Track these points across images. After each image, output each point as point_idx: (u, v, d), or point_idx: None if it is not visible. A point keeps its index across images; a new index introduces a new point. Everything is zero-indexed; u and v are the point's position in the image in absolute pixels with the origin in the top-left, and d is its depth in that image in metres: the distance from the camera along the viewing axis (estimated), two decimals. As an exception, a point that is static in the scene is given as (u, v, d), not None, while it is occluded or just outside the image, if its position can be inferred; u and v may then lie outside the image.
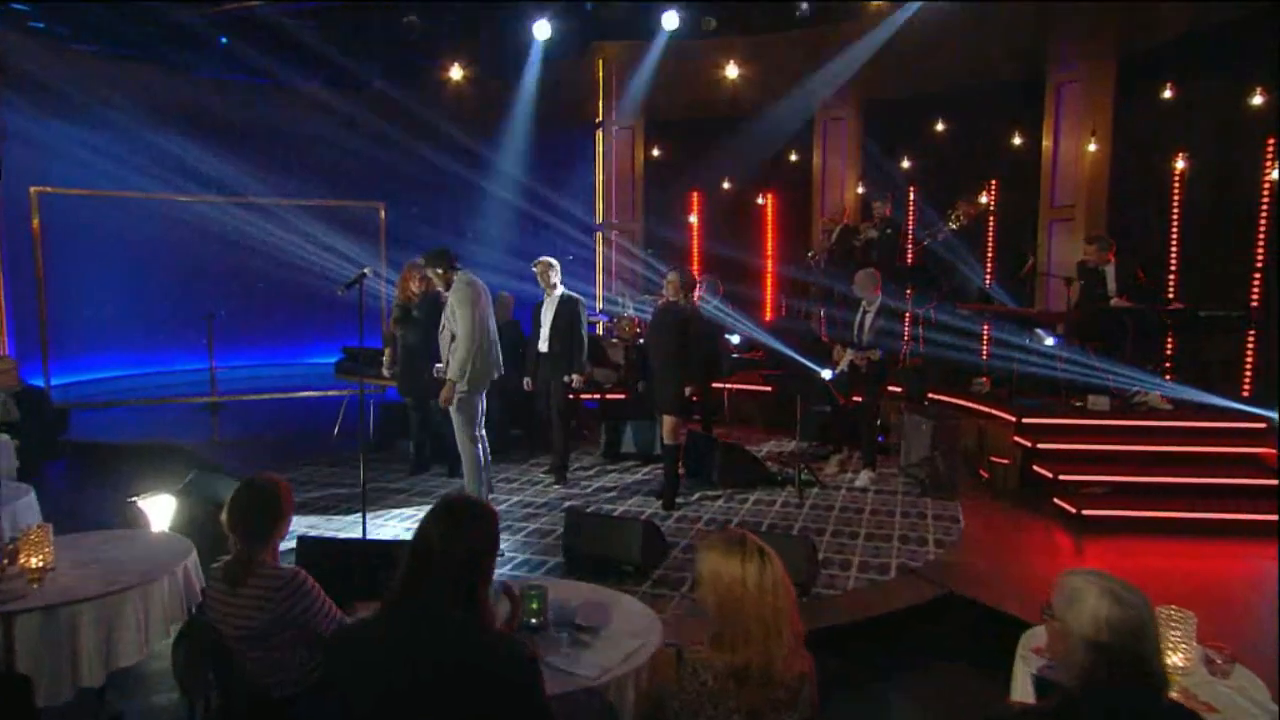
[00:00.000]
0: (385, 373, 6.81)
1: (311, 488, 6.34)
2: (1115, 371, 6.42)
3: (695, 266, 12.00)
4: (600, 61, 11.92)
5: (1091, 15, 8.55)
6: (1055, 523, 5.43)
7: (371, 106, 9.66)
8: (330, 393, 9.04)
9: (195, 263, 10.36)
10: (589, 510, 5.38)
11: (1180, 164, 7.93)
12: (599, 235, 12.36)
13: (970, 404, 6.96)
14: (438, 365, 5.48)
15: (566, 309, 6.34)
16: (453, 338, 5.14)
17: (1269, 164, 7.21)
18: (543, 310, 6.41)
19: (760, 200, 11.92)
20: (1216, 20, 7.55)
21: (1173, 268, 8.21)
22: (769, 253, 11.99)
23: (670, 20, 9.58)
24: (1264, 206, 7.28)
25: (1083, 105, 9.06)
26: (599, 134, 12.20)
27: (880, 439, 6.98)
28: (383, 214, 8.45)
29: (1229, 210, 7.65)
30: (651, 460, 7.16)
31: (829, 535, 5.17)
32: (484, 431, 5.38)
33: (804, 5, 9.33)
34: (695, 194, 12.19)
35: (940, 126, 10.17)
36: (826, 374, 8.01)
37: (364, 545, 4.31)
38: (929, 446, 6.37)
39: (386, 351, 6.77)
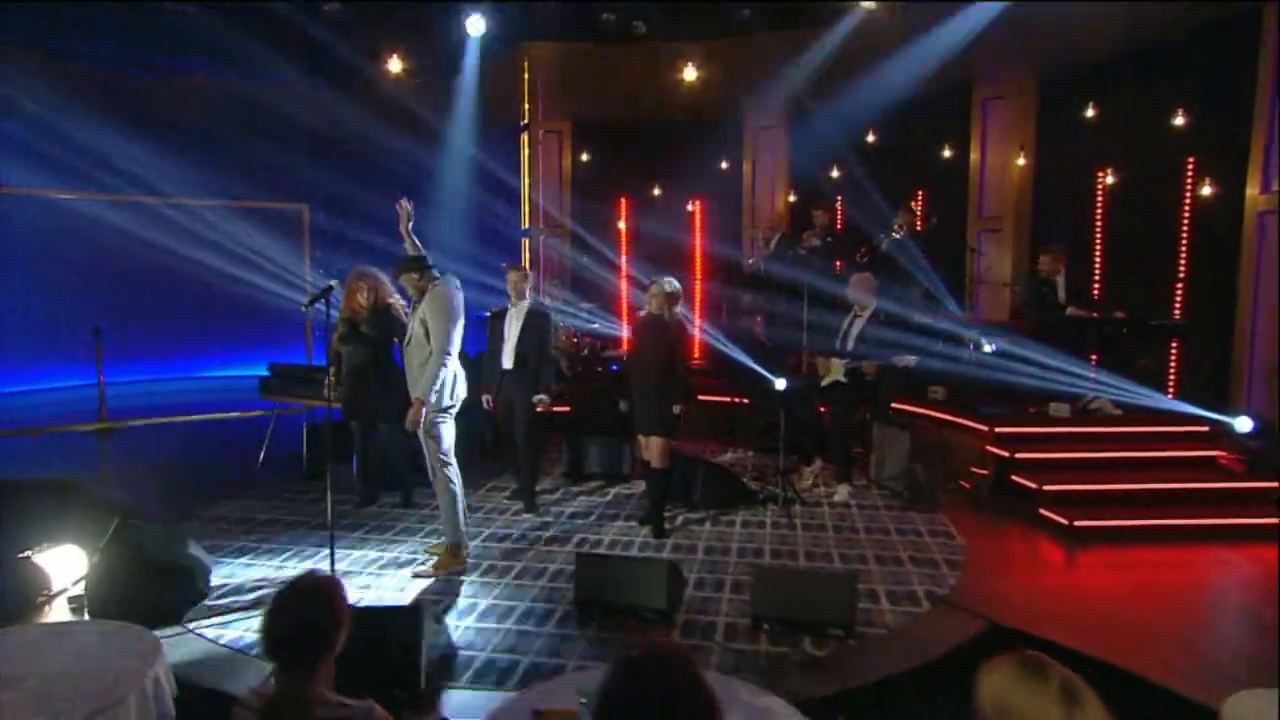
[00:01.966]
0: (328, 394, 6.08)
1: (249, 528, 5.54)
2: (1080, 377, 6.58)
3: (623, 273, 11.75)
4: (525, 61, 11.40)
5: (1014, 38, 8.83)
6: (1047, 534, 5.45)
7: (291, 100, 8.76)
8: (248, 414, 8.07)
9: (83, 267, 9.07)
10: (597, 551, 4.91)
11: (1110, 178, 8.32)
12: (525, 241, 11.83)
13: (935, 413, 6.97)
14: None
15: (535, 321, 5.86)
16: (430, 354, 4.58)
17: (1189, 181, 7.67)
18: (507, 321, 5.89)
19: (689, 207, 11.77)
20: (1136, 46, 7.96)
21: (1097, 277, 8.63)
22: (697, 259, 11.86)
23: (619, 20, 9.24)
24: (1185, 221, 7.73)
25: (1008, 121, 9.41)
26: (524, 136, 11.67)
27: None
28: (305, 215, 7.61)
29: (1150, 223, 8.06)
30: (618, 479, 6.80)
31: (837, 559, 4.97)
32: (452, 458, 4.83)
33: (745, 11, 9.21)
34: (623, 200, 11.91)
35: (870, 138, 10.32)
36: (781, 384, 7.90)
37: (375, 614, 3.67)
38: (906, 458, 6.32)
39: (330, 370, 6.05)
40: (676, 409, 5.36)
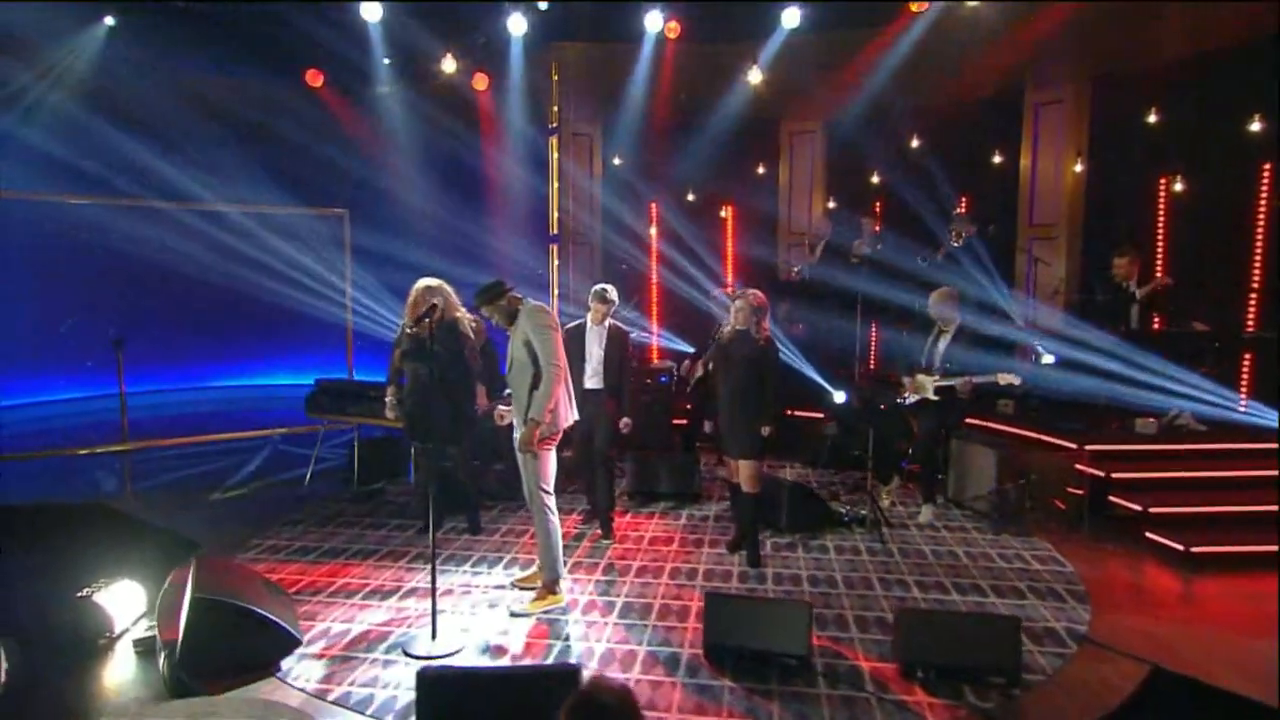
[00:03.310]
0: (389, 414, 5.74)
1: (317, 558, 5.18)
2: (1157, 388, 6.35)
3: (653, 279, 11.48)
4: (555, 64, 11.09)
5: (1074, 39, 8.62)
6: (1159, 560, 5.20)
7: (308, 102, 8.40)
8: (255, 433, 7.71)
9: (103, 273, 8.64)
10: (728, 594, 4.54)
11: (1175, 185, 8.11)
12: (553, 248, 11.50)
13: (1015, 430, 6.71)
14: (499, 408, 4.56)
15: (617, 340, 5.56)
16: (536, 375, 4.26)
17: (1264, 188, 7.46)
18: (588, 340, 5.58)
19: (722, 213, 11.51)
20: (1205, 48, 7.76)
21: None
22: (729, 266, 11.61)
23: (654, 21, 8.95)
24: (1260, 229, 7.52)
25: (1061, 125, 9.20)
26: (553, 140, 11.34)
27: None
28: (346, 222, 7.25)
29: (1220, 232, 7.85)
30: (687, 499, 6.51)
31: (953, 591, 4.69)
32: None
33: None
34: (654, 205, 11.63)
35: (915, 143, 10.07)
36: (840, 397, 7.62)
37: (505, 676, 3.33)
38: (994, 478, 6.06)
39: (390, 389, 5.71)
40: (766, 430, 5.08)
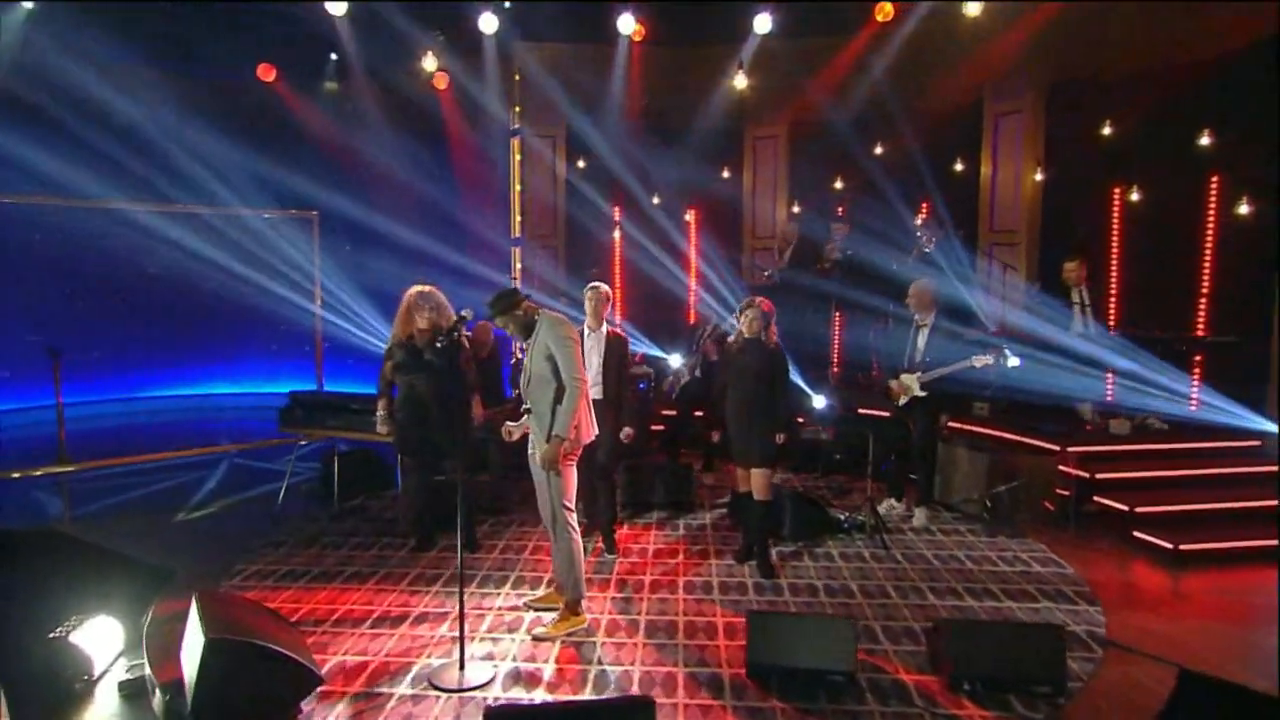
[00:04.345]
0: (381, 428, 5.46)
1: (310, 581, 4.87)
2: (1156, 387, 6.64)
3: (618, 282, 11.38)
4: (518, 64, 10.84)
5: (1031, 55, 8.90)
6: (1149, 559, 5.39)
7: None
8: (217, 449, 7.27)
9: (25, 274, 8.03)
10: (770, 611, 4.46)
11: (1129, 194, 8.47)
12: (515, 250, 11.26)
13: (996, 432, 6.87)
14: (506, 424, 4.38)
15: (616, 347, 5.43)
16: (559, 389, 4.11)
17: (1213, 199, 7.87)
18: (586, 348, 5.42)
19: (687, 217, 11.50)
20: (1159, 64, 8.12)
21: (1113, 291, 8.78)
22: (693, 269, 11.61)
23: (626, 24, 8.86)
24: (1208, 238, 7.93)
25: (1019, 135, 9.50)
26: (515, 142, 11.09)
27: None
28: (316, 225, 6.89)
29: (1172, 240, 8.23)
30: (683, 509, 6.43)
31: (967, 597, 4.74)
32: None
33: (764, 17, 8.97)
34: (617, 208, 11.54)
35: (879, 149, 10.24)
36: (820, 401, 7.67)
37: (578, 712, 3.17)
38: (984, 480, 6.19)
39: (381, 402, 5.43)
40: (779, 438, 5.05)
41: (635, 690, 3.63)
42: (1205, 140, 7.79)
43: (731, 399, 5.16)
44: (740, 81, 8.79)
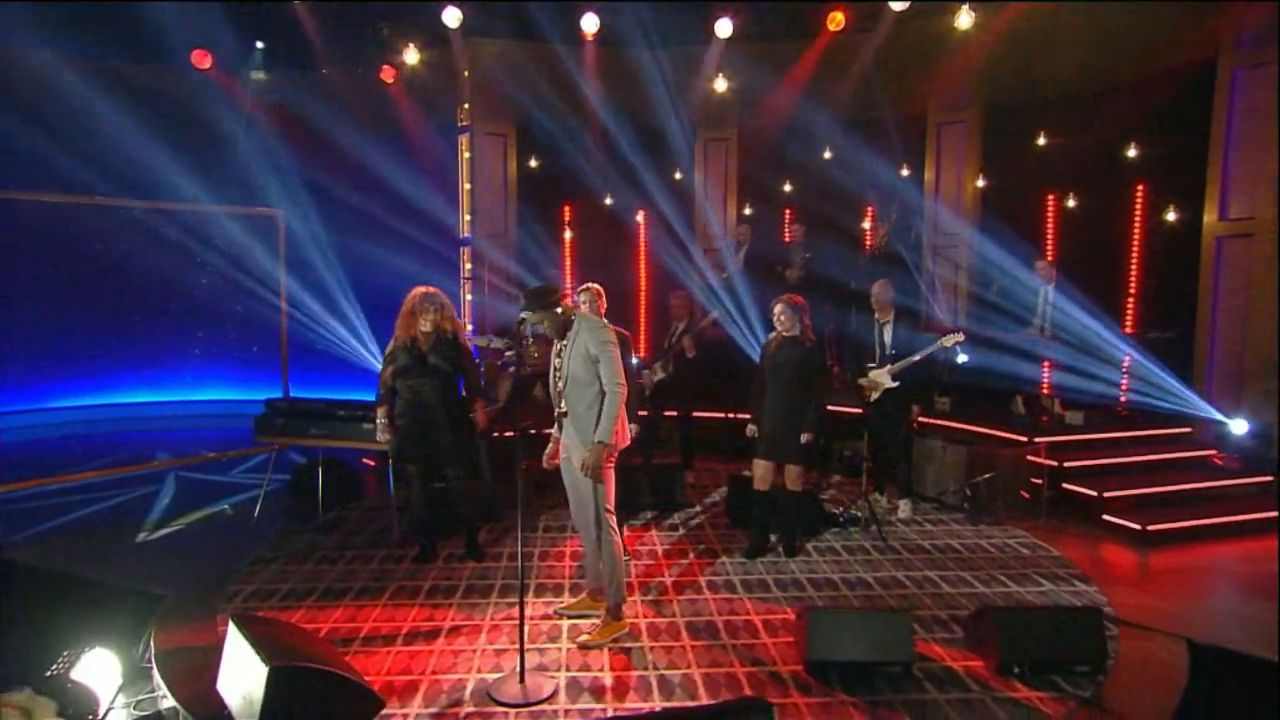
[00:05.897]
0: (381, 436, 5.22)
1: (320, 599, 4.61)
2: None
3: (568, 282, 11.29)
4: (467, 60, 10.56)
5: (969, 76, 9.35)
6: (1121, 540, 5.81)
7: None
8: (180, 460, 6.80)
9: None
10: (827, 608, 4.45)
11: (1061, 201, 9.08)
12: (465, 250, 10.98)
13: (966, 426, 7.22)
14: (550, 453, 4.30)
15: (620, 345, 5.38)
16: (599, 393, 4.05)
17: (1139, 205, 8.54)
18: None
19: (637, 217, 11.53)
20: (1089, 83, 8.74)
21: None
22: (643, 270, 11.68)
23: (591, 23, 8.80)
24: (1135, 242, 8.60)
25: (960, 144, 10.02)
26: (464, 139, 10.81)
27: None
28: (281, 223, 6.51)
29: (1101, 244, 8.88)
30: (671, 508, 6.46)
31: (976, 584, 4.98)
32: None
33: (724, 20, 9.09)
34: (568, 208, 11.47)
35: (827, 154, 10.56)
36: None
37: None
38: (963, 472, 6.50)
39: (381, 409, 5.19)
40: (809, 437, 5.18)
41: (702, 694, 3.63)
42: (1132, 152, 8.45)
43: (770, 395, 5.26)
44: (721, 84, 8.92)
